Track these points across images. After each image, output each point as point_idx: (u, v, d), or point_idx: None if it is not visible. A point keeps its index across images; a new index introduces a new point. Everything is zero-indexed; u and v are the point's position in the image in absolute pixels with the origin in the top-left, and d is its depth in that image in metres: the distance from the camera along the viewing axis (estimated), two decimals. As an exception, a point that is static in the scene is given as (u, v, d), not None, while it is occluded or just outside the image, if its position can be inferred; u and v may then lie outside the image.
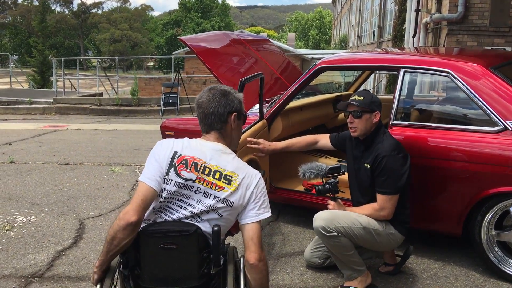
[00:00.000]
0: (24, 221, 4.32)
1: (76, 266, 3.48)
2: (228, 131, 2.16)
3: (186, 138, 2.13)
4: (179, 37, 4.60)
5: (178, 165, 2.02)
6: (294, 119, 4.35)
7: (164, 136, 4.91)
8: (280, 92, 5.05)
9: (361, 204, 3.14)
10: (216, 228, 2.02)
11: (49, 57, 17.80)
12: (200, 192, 2.04)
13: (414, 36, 13.17)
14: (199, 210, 2.03)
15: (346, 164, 4.20)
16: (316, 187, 3.18)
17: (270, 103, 4.29)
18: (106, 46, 59.91)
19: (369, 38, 27.00)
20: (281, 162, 4.64)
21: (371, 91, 5.50)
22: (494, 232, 3.20)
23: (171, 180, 2.02)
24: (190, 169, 2.03)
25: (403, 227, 3.07)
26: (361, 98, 3.08)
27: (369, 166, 3.05)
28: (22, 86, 18.79)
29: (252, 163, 3.57)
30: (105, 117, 12.25)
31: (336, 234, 2.95)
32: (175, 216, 2.05)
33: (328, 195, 3.18)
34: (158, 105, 12.96)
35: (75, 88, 17.68)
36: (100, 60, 20.57)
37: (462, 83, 3.25)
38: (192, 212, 2.04)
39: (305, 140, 3.69)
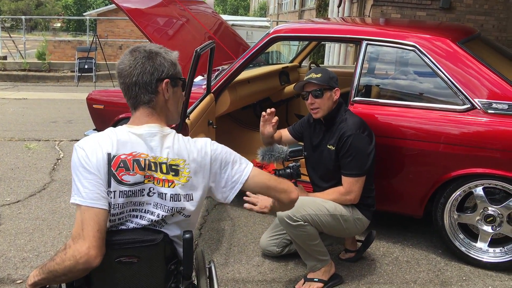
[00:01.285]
0: None
1: (-8, 266, 2.92)
2: (161, 103, 1.66)
3: (111, 129, 1.62)
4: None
5: (116, 170, 1.54)
6: (241, 93, 3.98)
7: (92, 111, 4.34)
8: (220, 60, 4.64)
9: (322, 188, 2.90)
10: (188, 235, 1.64)
11: None
12: (154, 193, 1.60)
13: (339, 6, 13.17)
14: (160, 216, 1.62)
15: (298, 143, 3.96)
16: (277, 172, 2.88)
17: (216, 74, 3.87)
18: (7, 4, 54.70)
19: (290, 6, 26.88)
20: (224, 140, 4.27)
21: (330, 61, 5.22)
22: (456, 215, 3.10)
23: (115, 191, 1.55)
24: (133, 170, 1.56)
25: (369, 211, 2.87)
26: (318, 75, 2.80)
27: (333, 148, 2.80)
28: None
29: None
30: (12, 84, 11.01)
31: (302, 222, 2.69)
32: (131, 227, 1.63)
33: (290, 180, 2.89)
34: (72, 71, 11.87)
35: (-27, 50, 15.79)
36: (1, 20, 18.50)
37: (429, 58, 3.06)
38: (151, 220, 1.62)
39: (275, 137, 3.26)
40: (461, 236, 3.12)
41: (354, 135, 2.71)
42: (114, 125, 4.16)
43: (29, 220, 3.56)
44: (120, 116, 4.11)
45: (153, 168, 1.58)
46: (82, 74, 11.27)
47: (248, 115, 4.78)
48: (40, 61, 12.27)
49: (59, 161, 4.97)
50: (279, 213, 2.73)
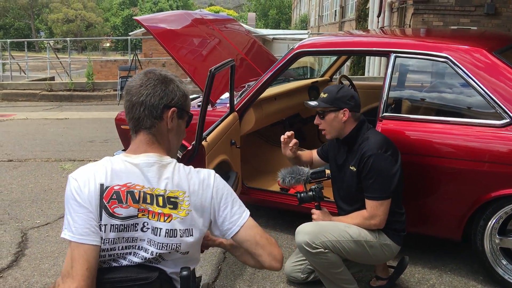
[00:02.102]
0: (-45, 235, 3.69)
1: (15, 292, 2.91)
2: (163, 132, 1.57)
3: (106, 159, 1.53)
4: (135, 17, 4.01)
5: (108, 202, 1.45)
6: (267, 110, 3.86)
7: (120, 131, 4.33)
8: (250, 78, 4.56)
9: (347, 213, 2.72)
10: (185, 272, 1.53)
11: (-6, 38, 16.54)
12: (148, 228, 1.49)
13: (379, 16, 12.87)
14: (154, 254, 1.50)
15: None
16: (298, 195, 2.73)
17: (241, 92, 3.78)
18: (59, 26, 57.22)
19: (331, 18, 26.67)
20: (251, 158, 4.18)
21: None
22: (497, 239, 2.83)
23: (106, 225, 1.45)
24: (126, 202, 1.46)
25: (399, 236, 2.66)
26: (324, 95, 2.66)
27: (355, 169, 2.62)
28: (-35, 70, 17.42)
29: (224, 164, 3.08)
30: (57, 104, 11.38)
31: (322, 250, 2.52)
32: (123, 265, 1.52)
33: (312, 203, 2.74)
34: (115, 89, 12.16)
35: (24, 72, 16.52)
36: (50, 42, 19.34)
37: (462, 70, 2.84)
38: (145, 258, 1.51)
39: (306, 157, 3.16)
40: (504, 262, 2.85)
41: (376, 155, 2.52)
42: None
43: (55, 244, 3.56)
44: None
45: (148, 201, 1.48)
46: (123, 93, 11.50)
47: (277, 132, 4.64)
48: (84, 81, 12.64)
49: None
50: (297, 240, 2.58)
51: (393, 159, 2.56)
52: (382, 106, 3.06)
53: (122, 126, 4.30)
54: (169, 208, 1.50)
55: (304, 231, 2.59)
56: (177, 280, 1.57)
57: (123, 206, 1.46)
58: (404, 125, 3.00)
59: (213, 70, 2.49)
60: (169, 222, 1.49)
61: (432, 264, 3.20)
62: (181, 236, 1.51)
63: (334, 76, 5.10)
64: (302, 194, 2.71)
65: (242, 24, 6.01)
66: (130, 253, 1.51)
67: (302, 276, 2.93)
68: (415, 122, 2.99)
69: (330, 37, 3.47)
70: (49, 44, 18.84)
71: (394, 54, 3.06)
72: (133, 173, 1.50)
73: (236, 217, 1.56)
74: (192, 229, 1.53)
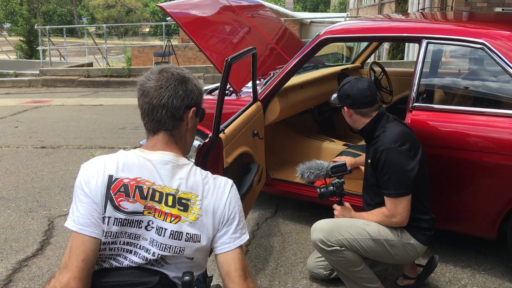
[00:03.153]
0: (-15, 222, 3.76)
1: (38, 281, 2.93)
2: (183, 132, 1.54)
3: (121, 152, 1.50)
4: (158, 4, 3.93)
5: (115, 194, 1.40)
6: (293, 99, 3.73)
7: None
8: (277, 66, 4.42)
9: (371, 208, 2.58)
10: (187, 277, 1.45)
11: (35, 25, 16.91)
12: (152, 228, 1.43)
13: (420, -3, 12.39)
14: (156, 255, 1.44)
15: (354, 151, 3.65)
16: (318, 190, 2.62)
17: (265, 81, 3.66)
18: (100, 12, 58.27)
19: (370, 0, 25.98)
20: (278, 148, 4.07)
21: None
22: (537, 238, 2.64)
23: (110, 218, 1.40)
24: (133, 197, 1.41)
25: (424, 235, 2.50)
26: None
27: (370, 162, 2.53)
28: (8, 57, 17.96)
29: (245, 156, 2.99)
30: (94, 90, 11.56)
31: (338, 248, 2.42)
32: (124, 265, 1.46)
33: (333, 199, 2.63)
34: (150, 75, 12.24)
35: (64, 58, 16.89)
36: (90, 28, 19.69)
37: (500, 57, 2.62)
38: (146, 259, 1.45)
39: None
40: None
41: (388, 150, 2.39)
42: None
43: (80, 232, 3.57)
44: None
45: (156, 199, 1.42)
46: (158, 79, 11.55)
47: (306, 121, 4.52)
48: (121, 67, 12.78)
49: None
50: (312, 237, 2.50)
51: (410, 154, 2.40)
52: (412, 95, 2.89)
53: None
54: (179, 209, 1.44)
55: (319, 228, 2.50)
56: (180, 285, 1.50)
57: (130, 200, 1.41)
58: (437, 116, 2.82)
59: (229, 60, 2.38)
60: (175, 223, 1.43)
61: (464, 263, 3.03)
62: (186, 240, 1.44)
63: (367, 61, 4.89)
64: (322, 189, 2.60)
65: (275, 6, 5.84)
66: (131, 252, 1.45)
67: (325, 272, 2.83)
68: (449, 113, 2.81)
69: (357, 22, 3.30)
70: (87, 30, 19.15)
71: (426, 40, 2.87)
72: (145, 168, 1.45)
73: (237, 235, 1.50)
74: (200, 235, 1.46)
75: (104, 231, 1.41)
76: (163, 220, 1.43)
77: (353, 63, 4.84)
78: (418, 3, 13.01)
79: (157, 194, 1.43)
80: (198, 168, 1.53)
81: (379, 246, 2.43)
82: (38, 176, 4.81)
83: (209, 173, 1.54)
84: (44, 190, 4.42)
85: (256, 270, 3.01)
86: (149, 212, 1.42)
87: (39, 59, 15.47)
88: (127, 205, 1.41)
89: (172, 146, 1.51)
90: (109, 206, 1.40)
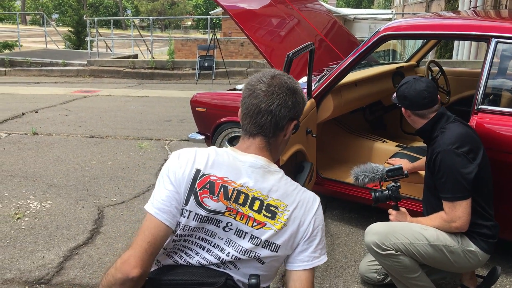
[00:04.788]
0: (38, 208, 3.85)
1: (89, 270, 2.97)
2: (279, 141, 1.51)
3: (213, 148, 1.48)
4: (211, -4, 3.91)
5: (200, 189, 1.39)
6: (347, 97, 3.63)
7: (195, 113, 4.29)
8: (329, 61, 4.33)
9: (430, 212, 2.47)
10: (254, 280, 1.40)
11: (84, 16, 17.30)
12: (231, 229, 1.41)
13: (472, -5, 11.96)
14: (231, 256, 1.41)
15: (408, 153, 3.53)
16: (373, 194, 2.53)
17: (319, 77, 3.57)
18: (144, 5, 59.20)
19: (418, -4, 25.29)
20: (328, 146, 3.98)
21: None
22: None
23: (191, 212, 1.39)
24: (217, 196, 1.39)
25: (487, 242, 2.36)
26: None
27: (427, 163, 2.45)
28: (57, 46, 18.45)
29: (298, 154, 2.92)
30: (139, 81, 11.74)
31: (393, 252, 2.33)
32: (194, 261, 1.44)
33: (389, 203, 2.53)
34: (194, 68, 12.32)
35: (110, 49, 17.23)
36: (135, 20, 20.02)
37: None
38: (219, 258, 1.42)
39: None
40: None
41: (444, 152, 2.29)
42: (216, 129, 4.09)
43: (129, 223, 3.60)
44: (221, 119, 4.01)
45: (240, 201, 1.39)
46: (202, 72, 11.62)
47: (357, 120, 4.41)
48: (165, 60, 12.92)
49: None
50: (366, 240, 2.42)
51: (468, 156, 2.28)
52: (478, 97, 2.75)
53: (197, 108, 4.26)
54: (265, 215, 1.41)
55: (373, 231, 2.41)
56: (244, 287, 1.46)
57: (213, 198, 1.39)
58: (504, 120, 2.67)
59: (290, 55, 2.32)
60: (257, 229, 1.40)
61: (527, 275, 2.87)
62: (263, 247, 1.41)
63: (423, 60, 4.72)
64: (377, 193, 2.51)
65: (322, 3, 5.74)
66: (204, 248, 1.43)
67: (378, 277, 2.73)
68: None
69: (420, 19, 3.16)
70: (133, 22, 19.46)
71: (496, 39, 2.72)
72: (235, 169, 1.43)
73: (316, 255, 1.47)
74: (280, 245, 1.43)
75: (182, 223, 1.40)
76: (245, 223, 1.40)
77: (408, 61, 4.68)
78: (470, 1, 12.56)
79: (242, 196, 1.40)
80: (288, 178, 1.50)
81: (437, 252, 2.33)
82: (88, 165, 4.89)
83: (298, 185, 1.51)
84: (93, 179, 4.49)
85: (305, 270, 2.94)
86: (230, 214, 1.40)
87: (86, 49, 15.82)
88: (210, 203, 1.39)
89: (265, 153, 1.48)
90: (192, 200, 1.39)
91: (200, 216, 1.39)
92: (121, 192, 4.19)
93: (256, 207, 1.40)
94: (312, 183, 3.33)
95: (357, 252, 3.16)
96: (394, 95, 2.62)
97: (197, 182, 1.39)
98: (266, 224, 1.40)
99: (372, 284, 2.78)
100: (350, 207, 3.79)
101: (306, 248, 1.45)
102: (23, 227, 3.51)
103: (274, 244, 1.41)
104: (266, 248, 1.41)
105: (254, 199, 1.40)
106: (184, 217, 1.39)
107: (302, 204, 1.45)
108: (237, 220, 1.40)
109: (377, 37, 3.13)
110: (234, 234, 1.40)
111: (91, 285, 2.80)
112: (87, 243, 3.30)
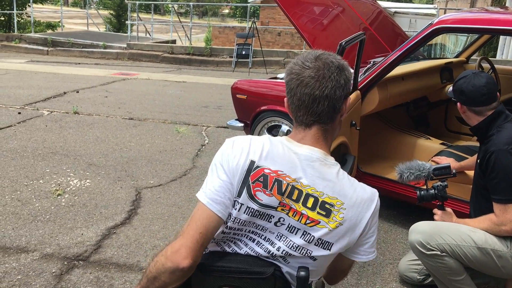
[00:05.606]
0: (77, 185, 3.91)
1: (126, 250, 2.99)
2: (336, 124, 1.41)
3: (267, 138, 1.40)
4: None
5: (253, 182, 1.32)
6: (393, 91, 3.53)
7: (235, 100, 4.26)
8: (373, 52, 4.22)
9: (478, 214, 2.38)
10: (303, 272, 1.36)
11: (125, 0, 17.51)
12: (283, 224, 1.35)
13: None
14: (281, 251, 1.36)
15: (455, 152, 3.42)
16: (418, 193, 2.44)
17: (365, 69, 3.48)
18: (183, -9, 59.53)
19: (463, -9, 24.52)
20: (370, 141, 3.89)
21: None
22: None
23: (242, 205, 1.33)
24: (270, 190, 1.32)
25: (539, 249, 2.27)
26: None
27: (478, 162, 2.35)
28: (98, 29, 18.78)
29: (342, 147, 2.86)
30: (176, 66, 11.81)
31: (438, 252, 2.26)
32: (242, 251, 1.40)
33: (435, 202, 2.45)
34: (231, 56, 12.33)
35: (149, 34, 17.40)
36: (174, 6, 20.12)
37: None
38: (268, 252, 1.38)
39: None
40: None
41: (499, 152, 2.19)
42: (255, 117, 4.06)
43: (166, 206, 3.62)
44: (262, 108, 3.97)
45: (294, 197, 1.33)
46: (239, 60, 11.60)
47: (399, 115, 4.29)
48: (203, 46, 12.96)
49: (203, 147, 5.07)
50: (410, 239, 2.35)
51: None
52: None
53: (237, 95, 4.23)
54: (319, 213, 1.34)
55: (418, 230, 2.34)
56: (292, 279, 1.42)
57: (267, 192, 1.33)
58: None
59: (343, 43, 2.26)
60: (310, 226, 1.34)
61: None
62: (316, 245, 1.36)
63: (473, 57, 4.55)
64: (422, 192, 2.42)
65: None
66: (254, 240, 1.39)
67: (418, 277, 2.66)
68: None
69: (478, 13, 3.02)
70: (173, 7, 19.56)
71: (559, 37, 2.58)
72: (290, 162, 1.35)
73: (371, 250, 1.45)
74: (333, 244, 1.37)
75: (232, 216, 1.35)
76: (298, 220, 1.34)
77: (457, 57, 4.52)
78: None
79: (296, 192, 1.33)
80: (345, 173, 1.42)
81: (484, 256, 2.24)
82: (126, 147, 4.94)
83: (355, 180, 1.43)
84: (131, 161, 4.53)
85: (342, 265, 2.90)
86: (282, 209, 1.34)
87: (126, 33, 16.02)
88: (263, 197, 1.33)
89: (321, 143, 1.39)
90: (244, 193, 1.33)
91: (252, 210, 1.34)
92: (158, 175, 4.22)
93: (310, 204, 1.33)
94: (353, 176, 3.26)
95: (396, 250, 3.09)
96: (450, 88, 2.52)
97: (250, 174, 1.33)
98: (320, 222, 1.34)
99: (411, 284, 2.71)
100: (388, 204, 3.70)
101: (363, 244, 1.42)
102: (63, 204, 3.57)
103: (327, 243, 1.36)
104: (319, 246, 1.36)
105: (308, 195, 1.33)
106: (236, 209, 1.34)
107: (360, 202, 1.37)
108: (289, 216, 1.34)
109: (430, 30, 3.02)
110: (286, 229, 1.35)
111: (128, 265, 2.83)
112: (124, 223, 3.33)
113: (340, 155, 2.87)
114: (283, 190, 1.32)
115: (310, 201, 1.33)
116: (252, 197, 1.32)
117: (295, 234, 1.35)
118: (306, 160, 1.35)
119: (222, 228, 1.37)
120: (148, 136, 5.37)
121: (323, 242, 1.35)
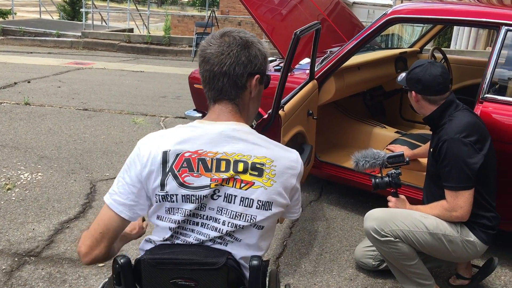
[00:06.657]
0: (28, 179, 3.77)
1: (80, 244, 2.91)
2: (246, 100, 1.41)
3: (179, 126, 1.41)
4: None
5: (178, 170, 1.32)
6: (349, 80, 3.56)
7: (193, 90, 4.21)
8: (330, 42, 4.25)
9: (431, 200, 2.44)
10: (255, 261, 1.35)
11: (79, -13, 16.96)
12: (219, 196, 1.34)
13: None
14: (227, 224, 1.36)
15: (409, 140, 3.49)
16: (373, 180, 2.48)
17: (322, 59, 3.50)
18: (141, -22, 58.23)
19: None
20: (327, 130, 3.93)
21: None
22: None
23: (174, 195, 1.33)
24: (197, 171, 1.32)
25: (486, 233, 2.34)
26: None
27: (431, 151, 2.41)
28: (51, 17, 18.08)
29: (299, 136, 2.87)
30: (134, 56, 11.55)
31: (392, 238, 2.30)
32: (191, 238, 1.38)
33: (389, 189, 2.50)
34: (190, 45, 12.16)
35: (105, 22, 16.93)
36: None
37: None
38: (215, 229, 1.36)
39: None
40: None
41: (451, 140, 2.25)
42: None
43: (122, 198, 3.54)
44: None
45: (222, 169, 1.33)
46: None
47: (356, 104, 4.35)
48: (161, 35, 12.72)
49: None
50: (365, 225, 2.38)
51: (475, 147, 2.24)
52: (484, 86, 2.70)
53: (195, 85, 4.18)
54: (252, 174, 1.34)
55: (373, 217, 2.38)
56: (246, 267, 1.41)
57: (194, 175, 1.32)
58: (510, 109, 2.63)
59: (298, 32, 2.24)
60: (246, 189, 1.34)
61: (521, 267, 2.87)
62: (257, 208, 1.36)
63: (426, 47, 4.65)
64: (377, 180, 2.46)
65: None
66: (197, 224, 1.37)
67: (373, 263, 2.72)
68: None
69: (429, 3, 3.08)
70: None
71: (506, 27, 2.66)
72: (208, 139, 1.35)
73: (299, 206, 1.55)
74: (272, 202, 1.37)
75: (178, 209, 1.35)
76: (232, 186, 1.34)
77: (411, 47, 4.61)
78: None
79: (224, 163, 1.33)
80: (263, 135, 1.44)
81: (436, 240, 2.30)
82: (81, 138, 4.80)
83: (274, 141, 1.46)
84: (86, 153, 4.41)
85: (300, 254, 2.92)
86: (216, 184, 1.34)
87: (81, 21, 15.52)
88: (193, 180, 1.32)
89: (236, 116, 1.41)
90: (172, 183, 1.32)
91: (187, 196, 1.33)
92: (114, 167, 4.12)
93: (241, 168, 1.33)
94: (310, 166, 3.29)
95: (353, 237, 3.14)
96: (402, 75, 2.54)
97: (170, 164, 1.33)
98: (254, 182, 1.34)
99: (367, 270, 2.76)
100: (346, 192, 3.76)
101: (294, 204, 1.50)
102: (13, 198, 3.44)
103: (267, 203, 1.36)
104: (260, 209, 1.36)
105: (236, 162, 1.34)
106: (172, 202, 1.34)
107: (287, 158, 1.41)
108: (223, 185, 1.34)
109: (384, 20, 3.06)
110: (224, 201, 1.35)
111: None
112: (78, 217, 3.24)
113: (298, 145, 2.88)
114: (210, 166, 1.33)
115: (240, 166, 1.33)
116: (182, 184, 1.32)
117: (233, 202, 1.34)
118: (224, 132, 1.36)
119: (172, 224, 1.36)
120: (104, 127, 5.23)
121: (263, 203, 1.35)
